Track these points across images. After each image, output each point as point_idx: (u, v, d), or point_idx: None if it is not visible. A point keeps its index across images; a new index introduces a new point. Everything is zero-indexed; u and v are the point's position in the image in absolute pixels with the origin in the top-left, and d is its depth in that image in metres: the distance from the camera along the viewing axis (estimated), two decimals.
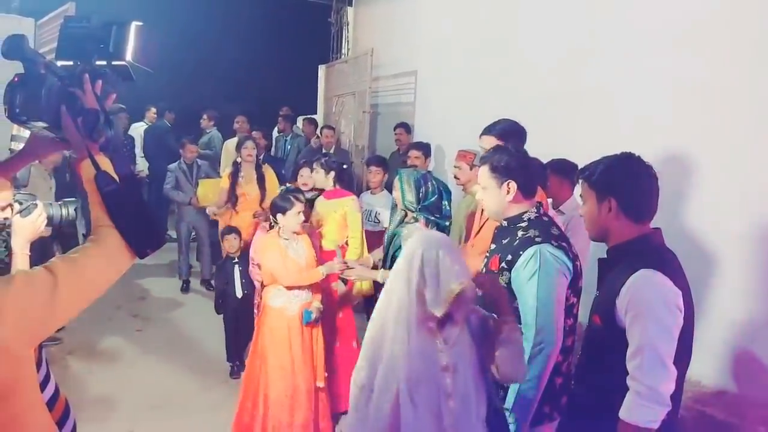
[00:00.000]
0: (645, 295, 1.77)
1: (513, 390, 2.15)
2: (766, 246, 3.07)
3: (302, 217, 3.48)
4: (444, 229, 3.25)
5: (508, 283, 2.21)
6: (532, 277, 2.11)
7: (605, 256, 2.00)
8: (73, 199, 1.53)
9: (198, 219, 6.36)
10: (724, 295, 3.21)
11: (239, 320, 4.48)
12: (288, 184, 4.23)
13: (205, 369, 4.49)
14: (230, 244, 4.56)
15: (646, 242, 1.90)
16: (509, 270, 2.20)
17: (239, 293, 4.46)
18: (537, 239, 2.17)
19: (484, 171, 2.37)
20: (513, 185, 2.29)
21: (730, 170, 3.21)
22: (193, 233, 6.59)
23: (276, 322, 3.49)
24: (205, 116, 8.26)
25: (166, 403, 4.07)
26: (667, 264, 1.84)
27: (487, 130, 3.03)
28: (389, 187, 4.81)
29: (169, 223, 8.30)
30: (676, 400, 1.82)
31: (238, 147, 5.40)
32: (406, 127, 6.35)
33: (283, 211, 3.40)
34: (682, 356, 1.83)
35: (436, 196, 3.19)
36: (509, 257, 2.21)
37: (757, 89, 3.09)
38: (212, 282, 6.41)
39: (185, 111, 9.40)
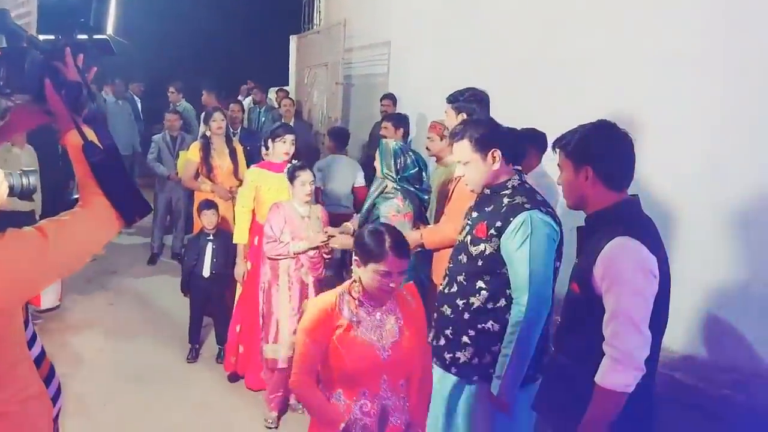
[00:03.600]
0: (620, 262, 1.81)
1: (505, 353, 2.22)
2: (737, 213, 3.15)
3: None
4: (424, 202, 3.29)
5: (497, 249, 2.26)
6: (524, 243, 2.17)
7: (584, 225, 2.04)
8: (33, 169, 1.52)
9: (177, 191, 6.26)
10: (694, 262, 3.28)
11: (207, 302, 4.37)
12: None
13: (179, 342, 4.49)
14: (209, 220, 4.33)
15: (623, 209, 1.93)
16: (498, 236, 2.25)
17: (206, 273, 4.25)
18: (526, 206, 2.22)
19: (463, 146, 2.38)
20: (498, 154, 2.33)
21: (706, 139, 3.25)
22: (172, 206, 6.45)
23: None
24: (172, 89, 7.96)
25: (141, 375, 4.07)
26: (644, 231, 1.88)
27: (451, 99, 3.03)
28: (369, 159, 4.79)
29: (145, 195, 8.14)
30: (652, 365, 1.88)
31: (206, 119, 5.21)
32: (392, 99, 6.24)
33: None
34: (659, 322, 1.88)
35: (416, 168, 3.22)
36: (498, 224, 2.25)
37: (733, 58, 3.12)
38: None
39: (152, 83, 9.19)
